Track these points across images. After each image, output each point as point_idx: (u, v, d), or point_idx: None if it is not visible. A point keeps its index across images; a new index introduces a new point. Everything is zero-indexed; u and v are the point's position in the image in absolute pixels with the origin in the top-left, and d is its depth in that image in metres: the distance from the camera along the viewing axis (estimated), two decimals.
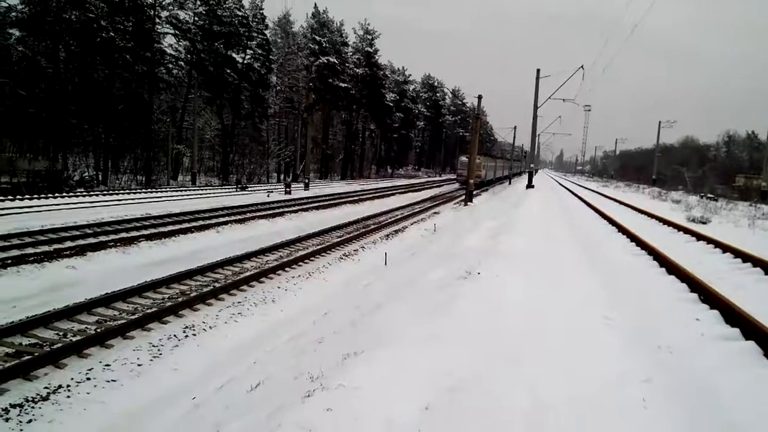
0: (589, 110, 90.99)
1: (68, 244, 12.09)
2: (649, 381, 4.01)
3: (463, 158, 47.94)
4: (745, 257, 9.14)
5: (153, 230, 14.65)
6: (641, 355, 4.54)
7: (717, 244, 10.83)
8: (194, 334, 7.63)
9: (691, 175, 75.23)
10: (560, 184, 61.58)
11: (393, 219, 21.67)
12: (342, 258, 13.53)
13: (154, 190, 29.76)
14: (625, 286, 7.07)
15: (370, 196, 32.60)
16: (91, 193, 24.89)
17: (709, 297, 6.08)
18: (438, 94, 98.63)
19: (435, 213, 25.44)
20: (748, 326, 4.82)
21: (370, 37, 64.75)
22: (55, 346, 6.57)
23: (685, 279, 7.13)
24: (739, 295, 6.08)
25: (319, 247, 14.21)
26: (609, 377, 4.08)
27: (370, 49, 64.12)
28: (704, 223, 16.33)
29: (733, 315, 5.25)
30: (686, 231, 13.51)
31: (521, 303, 6.04)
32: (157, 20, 40.49)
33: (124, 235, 13.67)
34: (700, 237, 12.14)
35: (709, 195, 35.89)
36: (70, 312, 7.73)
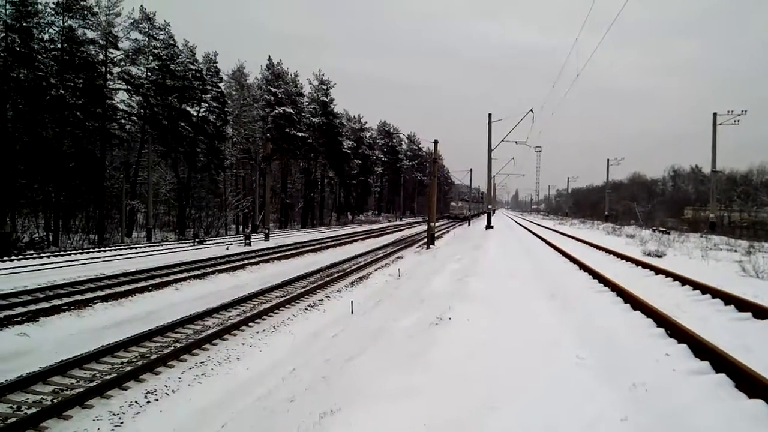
0: (540, 151, 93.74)
1: (19, 309, 11.52)
2: (627, 420, 4.02)
3: (453, 203, 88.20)
4: (704, 289, 9.40)
5: (108, 291, 14.12)
6: (617, 393, 4.55)
7: (675, 277, 11.13)
8: (156, 399, 7.29)
9: (642, 209, 77.85)
10: (518, 223, 62.69)
11: (357, 266, 21.55)
12: (307, 309, 13.30)
13: (107, 248, 28.85)
14: (593, 324, 7.14)
15: (332, 243, 32.43)
16: (42, 254, 23.95)
17: (675, 331, 6.19)
18: (394, 140, 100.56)
19: (398, 258, 25.45)
20: (717, 359, 4.91)
21: (325, 87, 65.91)
22: (9, 421, 6.17)
23: (651, 314, 7.26)
24: (704, 328, 6.22)
25: (283, 298, 13.95)
26: (589, 419, 4.06)
27: (325, 99, 65.17)
28: (660, 256, 16.81)
29: (701, 348, 5.34)
30: (644, 265, 13.87)
31: (494, 347, 6.02)
32: (109, 76, 40.34)
33: (78, 297, 13.12)
34: (658, 271, 12.46)
35: (661, 228, 37.12)
36: (23, 383, 7.30)
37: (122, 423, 6.52)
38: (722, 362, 4.81)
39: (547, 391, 4.64)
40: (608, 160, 68.14)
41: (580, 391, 4.65)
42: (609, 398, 4.47)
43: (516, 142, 40.39)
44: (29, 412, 6.50)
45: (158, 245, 31.42)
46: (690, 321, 6.65)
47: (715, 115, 37.07)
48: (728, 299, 8.36)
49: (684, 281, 10.59)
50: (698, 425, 3.76)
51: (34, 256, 23.16)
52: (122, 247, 30.26)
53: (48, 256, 22.93)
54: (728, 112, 37.09)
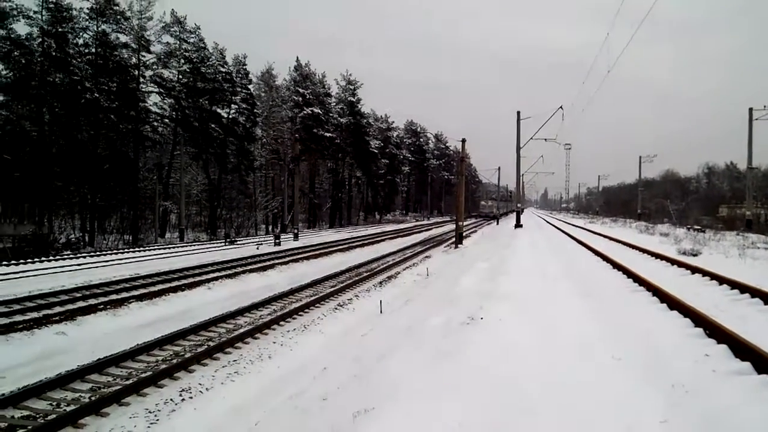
0: (570, 149, 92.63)
1: (57, 309, 11.84)
2: (668, 422, 3.92)
3: (482, 203, 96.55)
4: (743, 288, 9.15)
5: (143, 290, 14.40)
6: (656, 395, 4.45)
7: (712, 276, 10.86)
8: (191, 397, 7.39)
9: (675, 207, 76.13)
10: (547, 222, 61.98)
11: (385, 265, 21.54)
12: (337, 308, 13.34)
13: (141, 249, 29.44)
14: (629, 324, 7.00)
15: (360, 243, 32.51)
16: (78, 255, 24.57)
17: (714, 331, 6.03)
18: (421, 139, 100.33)
19: (426, 257, 25.37)
20: (759, 360, 4.76)
21: (352, 87, 66.10)
22: (49, 418, 6.33)
23: (688, 313, 7.09)
24: (744, 327, 6.04)
25: (312, 298, 14.02)
26: (627, 420, 3.98)
27: (353, 99, 65.39)
28: (695, 255, 16.43)
29: (742, 348, 5.19)
30: (679, 264, 13.57)
31: (529, 347, 5.95)
32: (142, 79, 41.10)
33: (114, 297, 13.41)
34: (694, 270, 12.17)
35: (696, 227, 36.26)
36: (62, 380, 7.49)
37: (158, 420, 6.62)
38: (765, 363, 4.67)
39: (583, 392, 4.56)
40: (640, 157, 66.78)
41: (618, 392, 4.56)
42: (648, 400, 4.38)
43: (545, 139, 39.95)
44: (68, 409, 6.66)
45: (190, 245, 31.92)
46: (729, 321, 6.48)
47: (750, 110, 36.06)
48: None
49: (721, 280, 10.33)
50: (742, 428, 3.65)
51: (71, 256, 23.76)
52: (156, 247, 30.84)
53: (84, 257, 23.48)
54: (764, 107, 36.06)
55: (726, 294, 9.32)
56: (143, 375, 7.94)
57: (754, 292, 8.68)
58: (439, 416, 4.20)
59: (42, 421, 6.27)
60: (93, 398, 7.03)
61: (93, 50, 37.39)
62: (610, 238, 26.19)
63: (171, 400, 7.22)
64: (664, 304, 8.21)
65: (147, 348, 9.22)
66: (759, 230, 34.61)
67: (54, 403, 6.91)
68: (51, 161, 33.97)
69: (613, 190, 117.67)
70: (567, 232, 34.76)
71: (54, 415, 6.41)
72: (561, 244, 24.15)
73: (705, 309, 7.22)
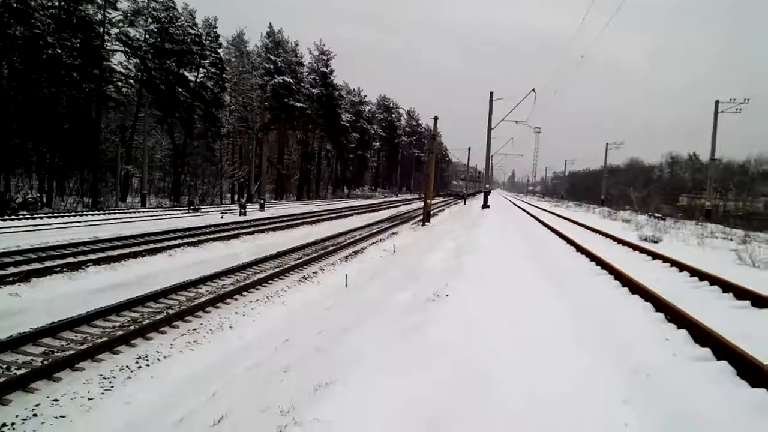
0: (540, 132, 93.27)
1: (11, 270, 11.39)
2: (629, 403, 3.96)
3: (454, 182, 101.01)
4: (702, 275, 9.37)
5: (101, 254, 14.00)
6: (618, 377, 4.50)
7: (673, 263, 11.10)
8: (148, 365, 7.24)
9: (637, 194, 77.90)
10: (514, 204, 62.69)
11: (352, 240, 21.48)
12: (301, 281, 13.24)
13: (101, 212, 28.66)
14: (592, 307, 7.09)
15: (328, 216, 32.32)
16: (35, 216, 23.77)
17: (675, 316, 6.14)
18: (393, 115, 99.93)
19: (393, 233, 25.39)
20: (718, 346, 4.85)
21: (325, 57, 65.08)
22: None
23: (650, 298, 7.21)
24: (704, 314, 6.16)
25: (277, 269, 13.87)
26: (589, 401, 4.00)
27: (326, 70, 64.43)
28: (656, 242, 16.80)
29: (702, 334, 5.29)
30: (641, 250, 13.85)
31: (492, 326, 5.95)
32: (107, 37, 39.47)
33: (71, 259, 13.01)
34: (655, 256, 12.44)
35: (657, 214, 37.17)
36: (14, 343, 7.21)
37: (112, 387, 6.46)
38: (724, 350, 4.76)
39: (546, 373, 4.57)
40: (607, 144, 67.81)
41: (580, 373, 4.59)
42: (610, 381, 4.42)
43: (516, 121, 39.92)
44: (18, 372, 6.44)
45: (153, 211, 31.24)
46: (688, 307, 6.59)
47: (717, 102, 36.82)
48: (726, 286, 8.34)
49: (681, 267, 10.57)
50: (701, 412, 3.71)
51: (27, 216, 22.98)
52: (116, 211, 30.06)
53: (41, 218, 22.74)
54: (730, 100, 36.84)
55: (686, 280, 9.54)
56: (99, 341, 7.73)
57: (713, 280, 8.90)
58: (399, 390, 4.16)
59: None
60: (45, 362, 6.80)
61: (56, 3, 35.68)
62: (575, 222, 26.63)
63: (127, 367, 7.06)
64: (626, 288, 8.35)
65: (103, 313, 8.96)
66: (717, 221, 35.68)
67: (4, 366, 6.67)
68: (8, 118, 32.55)
69: (579, 176, 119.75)
70: (533, 214, 35.23)
71: (3, 378, 6.18)
72: (527, 226, 24.43)
73: (666, 294, 7.35)
